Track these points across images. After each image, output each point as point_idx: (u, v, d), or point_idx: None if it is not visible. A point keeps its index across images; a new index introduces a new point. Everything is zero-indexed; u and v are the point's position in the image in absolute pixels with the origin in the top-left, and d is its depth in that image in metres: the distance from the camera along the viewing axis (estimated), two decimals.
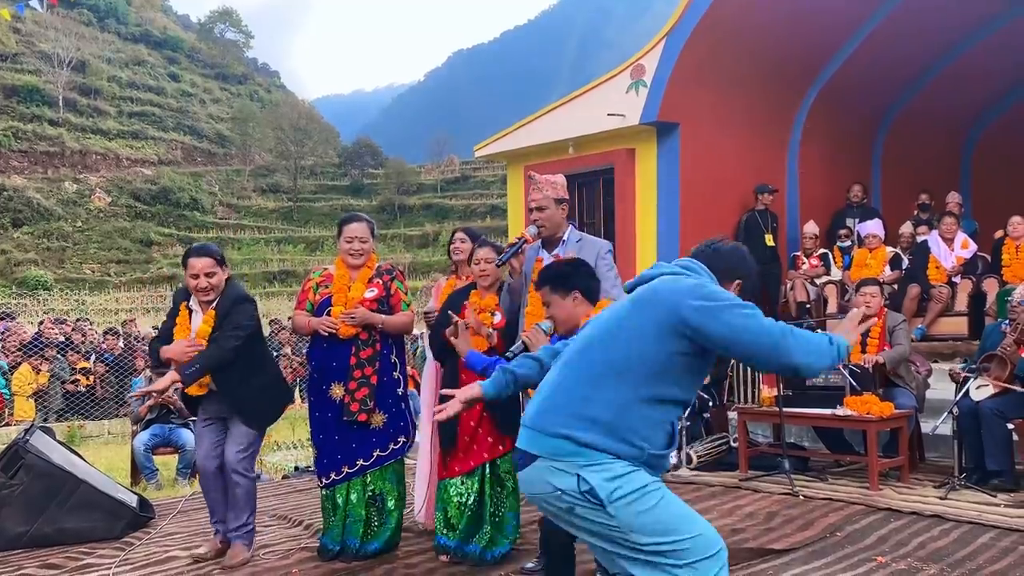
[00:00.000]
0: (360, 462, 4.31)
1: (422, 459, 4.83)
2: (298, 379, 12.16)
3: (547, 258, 3.98)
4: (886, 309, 6.49)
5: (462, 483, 4.23)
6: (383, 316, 4.32)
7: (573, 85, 13.78)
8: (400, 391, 4.44)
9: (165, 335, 4.32)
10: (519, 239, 3.91)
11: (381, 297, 4.36)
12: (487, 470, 4.22)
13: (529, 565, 4.03)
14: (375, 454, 4.32)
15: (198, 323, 4.27)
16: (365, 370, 4.28)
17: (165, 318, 4.42)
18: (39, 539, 4.78)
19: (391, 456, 4.37)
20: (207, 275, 4.19)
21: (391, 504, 4.38)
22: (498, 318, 4.24)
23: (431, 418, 4.40)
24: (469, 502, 4.21)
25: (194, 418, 7.23)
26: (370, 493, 4.33)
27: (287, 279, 35.80)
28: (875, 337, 6.27)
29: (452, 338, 3.64)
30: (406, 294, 4.47)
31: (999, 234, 8.36)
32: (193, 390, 4.24)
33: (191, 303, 4.31)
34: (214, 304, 4.23)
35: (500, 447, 4.19)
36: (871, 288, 6.41)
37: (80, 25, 56.98)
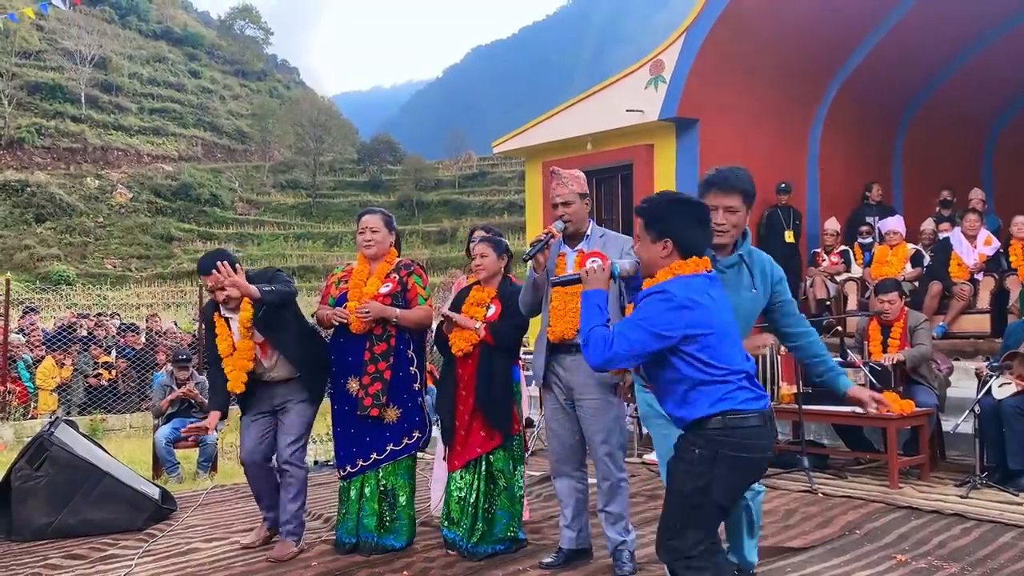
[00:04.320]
0: (374, 456, 4.34)
1: (439, 454, 4.86)
2: None
3: (570, 253, 3.98)
4: (907, 309, 6.40)
5: (461, 478, 4.27)
6: (398, 310, 4.31)
7: (591, 81, 13.75)
8: (416, 386, 4.42)
9: (213, 355, 4.43)
10: (546, 234, 3.85)
11: (396, 292, 4.36)
12: (483, 466, 4.25)
13: (548, 560, 4.05)
14: (388, 448, 4.34)
15: (236, 327, 4.34)
16: (379, 365, 4.29)
17: (206, 339, 4.55)
18: (63, 530, 4.86)
19: (404, 451, 4.37)
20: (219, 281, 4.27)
21: (403, 500, 4.38)
22: (491, 311, 4.26)
23: None
24: (471, 499, 4.23)
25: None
26: (382, 488, 4.34)
27: (306, 275, 35.84)
28: (896, 337, 6.20)
29: (447, 332, 3.81)
30: (424, 288, 4.45)
31: None
32: (238, 387, 4.30)
33: (222, 311, 4.39)
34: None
35: (491, 441, 4.21)
36: (890, 295, 6.27)
37: (102, 22, 57.37)
